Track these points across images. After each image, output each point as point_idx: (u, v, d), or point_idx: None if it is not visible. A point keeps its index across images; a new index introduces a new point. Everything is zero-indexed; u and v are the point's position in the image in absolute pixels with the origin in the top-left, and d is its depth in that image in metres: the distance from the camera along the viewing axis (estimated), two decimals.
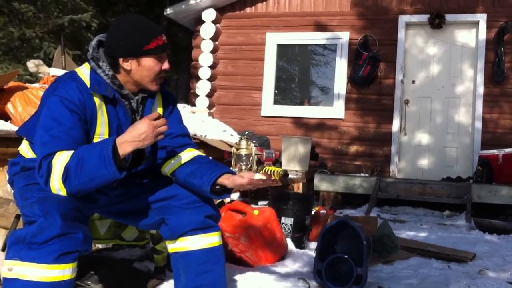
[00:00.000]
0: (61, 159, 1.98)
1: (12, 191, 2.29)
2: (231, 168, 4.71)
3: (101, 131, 2.18)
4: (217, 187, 2.26)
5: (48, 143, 2.02)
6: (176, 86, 12.24)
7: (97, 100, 2.15)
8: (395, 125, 7.80)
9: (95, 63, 2.19)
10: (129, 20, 2.20)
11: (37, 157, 2.05)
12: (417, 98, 7.90)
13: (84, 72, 2.21)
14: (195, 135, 4.78)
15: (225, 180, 2.24)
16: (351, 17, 8.15)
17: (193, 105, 8.17)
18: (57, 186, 1.98)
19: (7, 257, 1.93)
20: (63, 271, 1.92)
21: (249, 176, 2.22)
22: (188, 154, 2.38)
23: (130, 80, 2.22)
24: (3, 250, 2.48)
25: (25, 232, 1.93)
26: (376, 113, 7.91)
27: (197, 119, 5.44)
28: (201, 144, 4.76)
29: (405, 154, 7.88)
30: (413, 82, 7.92)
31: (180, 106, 5.50)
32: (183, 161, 2.35)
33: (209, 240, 2.30)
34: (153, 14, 11.03)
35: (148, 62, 2.17)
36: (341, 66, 8.12)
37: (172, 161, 2.37)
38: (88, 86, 2.15)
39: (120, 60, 2.16)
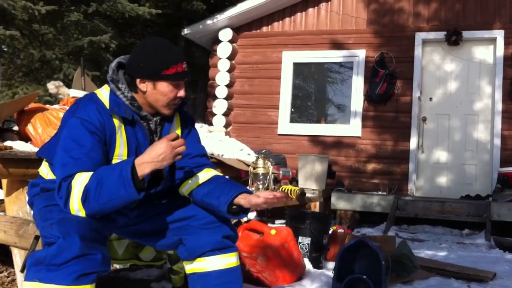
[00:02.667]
0: (80, 181, 2.00)
1: (32, 212, 2.32)
2: (248, 187, 4.71)
3: (120, 152, 2.20)
4: (234, 207, 2.25)
5: (68, 165, 2.05)
6: (193, 105, 12.32)
7: (116, 121, 2.18)
8: (413, 142, 7.74)
9: (115, 85, 2.23)
10: (154, 43, 2.24)
11: (56, 178, 2.07)
12: (434, 115, 7.85)
13: (103, 94, 2.24)
14: (212, 154, 4.79)
15: (242, 200, 2.24)
16: (367, 35, 8.16)
17: (210, 124, 8.22)
18: (76, 207, 2.00)
19: (26, 279, 1.95)
20: None
21: (265, 195, 2.22)
22: (205, 175, 2.39)
23: (145, 102, 2.25)
24: (22, 271, 2.50)
25: (44, 253, 1.95)
26: (393, 130, 7.87)
27: (214, 138, 5.46)
28: (218, 163, 4.77)
29: (423, 172, 7.81)
30: (431, 99, 7.88)
31: (197, 125, 5.50)
32: (200, 182, 2.36)
33: (227, 260, 2.30)
34: (170, 34, 11.15)
35: (163, 87, 2.21)
36: (358, 84, 8.11)
37: (190, 182, 2.38)
38: (108, 107, 2.18)
39: (137, 80, 2.21)
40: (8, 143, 3.10)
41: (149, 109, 2.28)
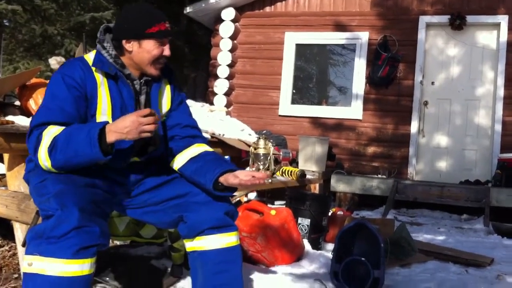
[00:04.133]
0: (51, 132, 2.07)
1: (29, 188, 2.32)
2: (248, 167, 4.72)
3: (103, 107, 2.25)
4: (220, 184, 2.28)
5: (40, 113, 2.14)
6: (194, 84, 12.28)
7: (98, 76, 2.26)
8: (414, 126, 7.74)
9: (100, 45, 2.33)
10: (136, 7, 2.35)
11: (29, 125, 2.15)
12: (436, 100, 7.84)
13: (90, 55, 2.34)
14: (213, 133, 4.79)
15: (222, 178, 2.27)
16: (371, 17, 8.11)
17: (211, 103, 8.20)
18: (43, 156, 2.06)
19: (26, 252, 1.95)
20: (82, 266, 1.93)
21: (242, 176, 2.23)
22: (193, 151, 2.42)
23: (131, 63, 2.32)
24: (23, 245, 2.51)
25: (43, 226, 1.95)
26: (394, 114, 7.86)
27: (215, 117, 5.45)
28: (219, 143, 4.77)
29: (423, 156, 7.82)
30: (433, 83, 7.86)
31: (198, 104, 5.53)
32: (188, 158, 2.40)
33: (226, 240, 2.30)
34: (172, 12, 11.05)
35: (149, 45, 2.28)
36: (360, 66, 8.08)
37: (179, 158, 2.42)
38: (91, 65, 2.27)
39: (124, 41, 2.29)
40: (9, 117, 3.09)
41: (135, 70, 2.35)
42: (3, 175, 3.18)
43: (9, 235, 3.33)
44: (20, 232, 2.68)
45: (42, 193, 2.08)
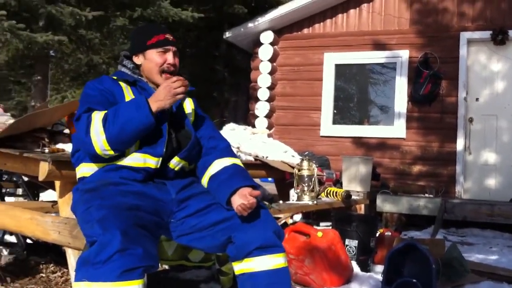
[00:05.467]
0: (99, 113, 2.28)
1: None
2: (293, 189, 4.71)
3: None
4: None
5: (81, 105, 2.36)
6: (235, 108, 12.37)
7: (122, 84, 2.50)
8: (459, 144, 7.58)
9: (121, 65, 2.62)
10: (139, 27, 2.74)
11: (76, 114, 2.34)
12: (481, 116, 7.66)
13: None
14: (256, 156, 4.80)
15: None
16: (410, 35, 8.04)
17: (253, 126, 8.23)
18: (97, 130, 2.21)
19: (75, 280, 1.99)
20: None
21: (242, 201, 2.27)
22: (212, 169, 2.48)
23: (146, 77, 2.55)
24: None
25: (88, 252, 1.99)
26: (439, 131, 7.73)
27: (258, 140, 5.45)
28: (262, 165, 4.77)
29: (471, 174, 7.63)
30: (477, 99, 7.70)
31: (241, 127, 5.55)
32: (209, 176, 2.48)
33: (275, 261, 2.29)
34: (211, 37, 11.23)
35: (151, 55, 2.52)
36: (401, 85, 8.00)
37: (205, 178, 2.50)
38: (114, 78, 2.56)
39: (134, 57, 2.57)
40: (60, 145, 3.17)
41: (151, 84, 2.55)
42: (55, 202, 3.26)
43: (61, 261, 3.39)
44: (72, 258, 2.72)
45: (88, 220, 2.12)
